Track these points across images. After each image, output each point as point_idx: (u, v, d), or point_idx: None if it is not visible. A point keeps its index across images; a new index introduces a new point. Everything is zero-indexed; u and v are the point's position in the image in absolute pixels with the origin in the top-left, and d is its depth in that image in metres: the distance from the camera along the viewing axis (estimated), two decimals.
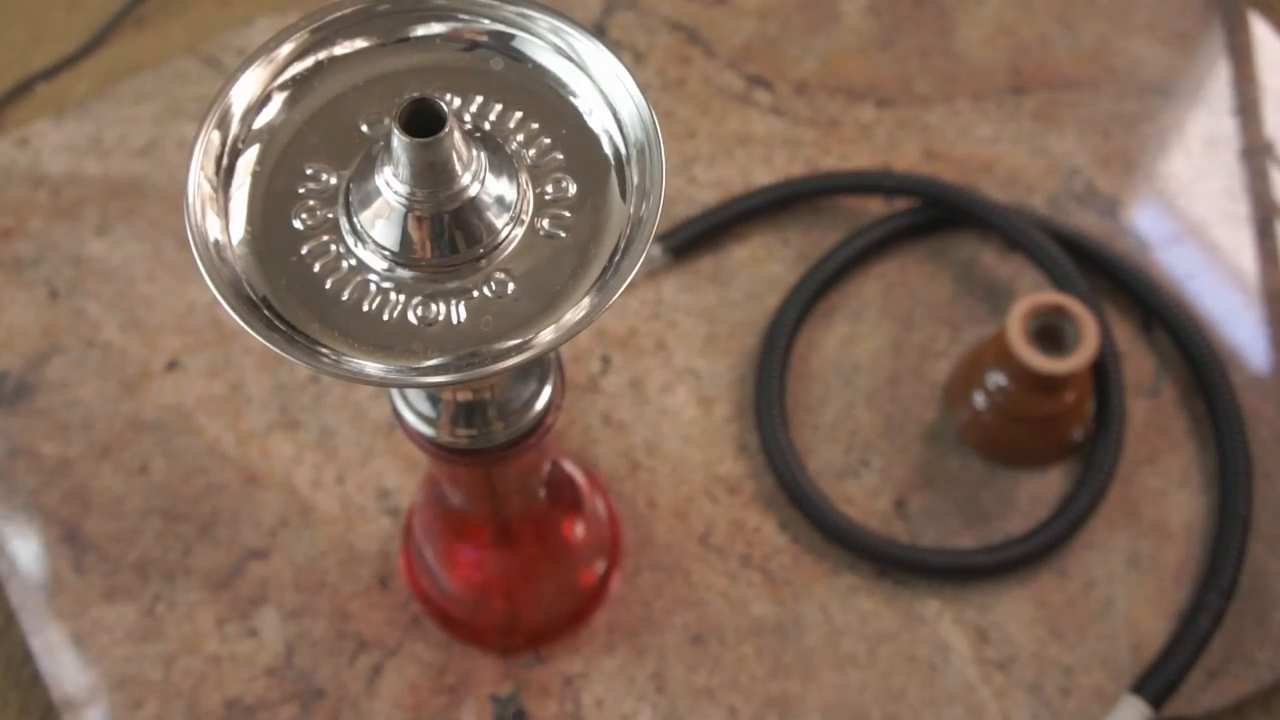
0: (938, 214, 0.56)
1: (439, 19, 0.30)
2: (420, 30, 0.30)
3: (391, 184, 0.26)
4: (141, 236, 0.57)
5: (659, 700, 0.48)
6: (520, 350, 0.26)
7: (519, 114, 0.29)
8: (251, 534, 0.50)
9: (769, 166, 0.58)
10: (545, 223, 0.28)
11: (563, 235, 0.28)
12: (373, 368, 0.26)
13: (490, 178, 0.27)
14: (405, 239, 0.27)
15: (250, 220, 0.28)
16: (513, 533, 0.46)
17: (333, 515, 0.51)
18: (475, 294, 0.27)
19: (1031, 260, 0.54)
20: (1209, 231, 0.58)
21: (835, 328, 0.55)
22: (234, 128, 0.28)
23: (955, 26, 0.63)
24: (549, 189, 0.28)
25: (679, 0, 0.63)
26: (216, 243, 0.27)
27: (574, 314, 0.27)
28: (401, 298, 0.27)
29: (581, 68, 0.29)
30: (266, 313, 0.27)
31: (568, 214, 0.28)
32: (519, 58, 0.30)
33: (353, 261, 0.27)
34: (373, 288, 0.27)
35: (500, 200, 0.27)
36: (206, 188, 0.27)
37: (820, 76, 0.61)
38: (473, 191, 0.27)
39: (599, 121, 0.29)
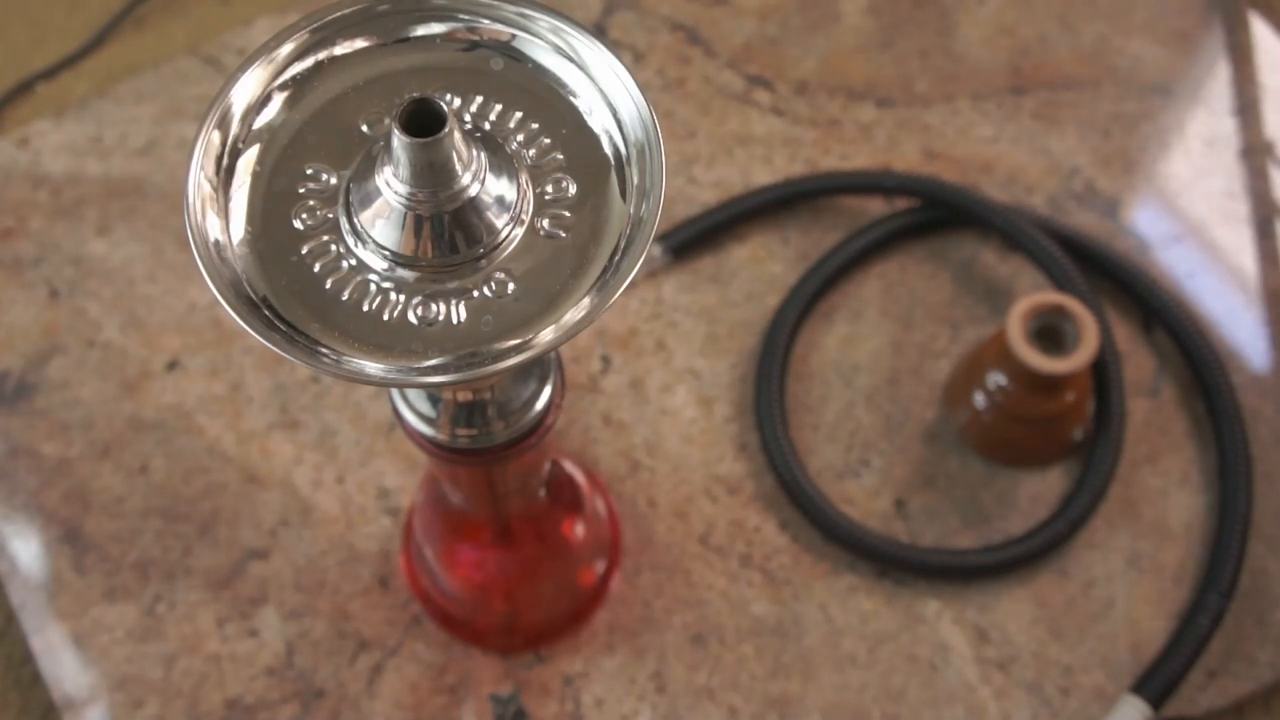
0: (938, 214, 0.56)
1: (439, 19, 0.30)
2: (420, 30, 0.30)
3: (391, 184, 0.26)
4: (142, 236, 0.57)
5: (659, 700, 0.48)
6: (520, 350, 0.26)
7: (519, 114, 0.29)
8: (251, 534, 0.50)
9: (769, 166, 0.58)
10: (545, 223, 0.28)
11: (563, 235, 0.28)
12: (373, 368, 0.26)
13: (490, 178, 0.27)
14: (405, 239, 0.27)
15: (250, 220, 0.28)
16: (513, 533, 0.46)
17: (333, 515, 0.51)
18: (475, 294, 0.27)
19: (1031, 260, 0.54)
20: (1209, 231, 0.58)
21: (835, 328, 0.55)
22: (234, 128, 0.28)
23: (955, 26, 0.63)
24: (549, 189, 0.28)
25: (679, 0, 0.63)
26: (217, 243, 0.27)
27: (574, 314, 0.27)
28: (401, 298, 0.27)
29: (581, 68, 0.29)
30: (266, 313, 0.27)
31: (568, 214, 0.28)
32: (519, 58, 0.30)
33: (353, 261, 0.27)
34: (373, 288, 0.27)
35: (500, 200, 0.27)
36: (207, 188, 0.27)
37: (820, 76, 0.61)
38: (473, 191, 0.27)
39: (599, 121, 0.29)
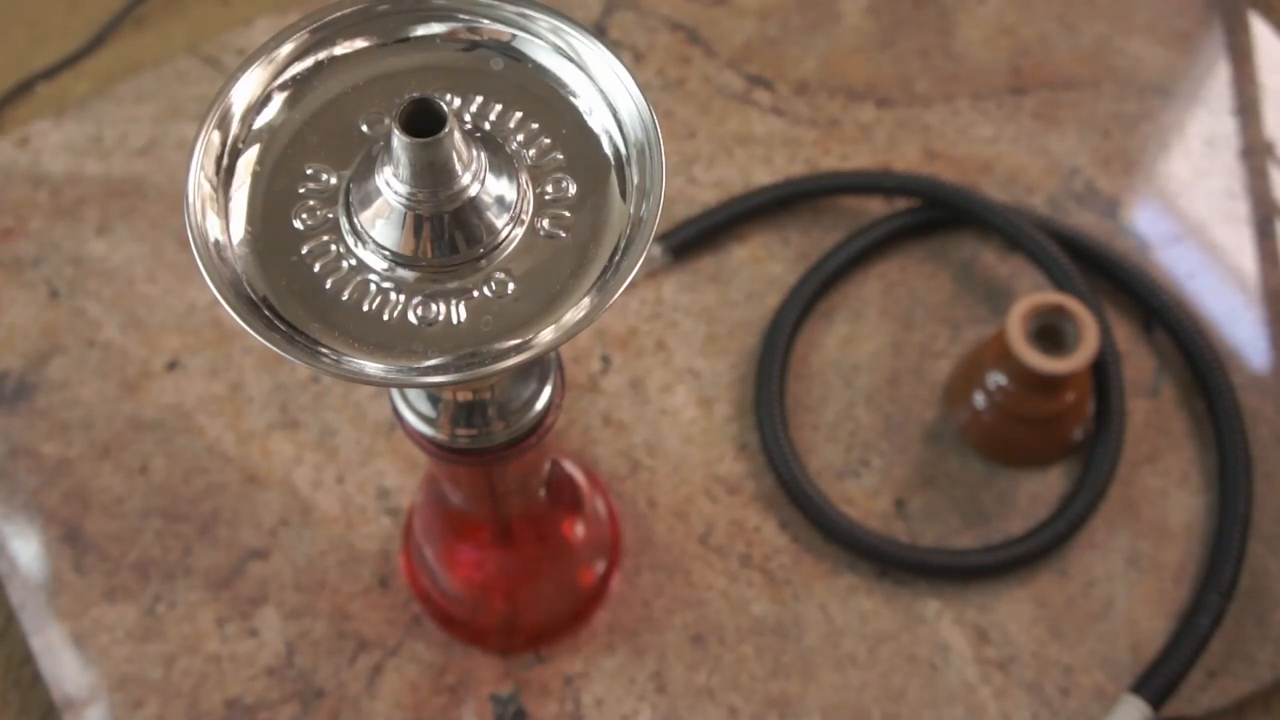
0: (938, 214, 0.56)
1: (439, 19, 0.30)
2: (420, 30, 0.30)
3: (391, 184, 0.26)
4: (142, 236, 0.57)
5: (659, 700, 0.48)
6: (520, 350, 0.26)
7: (519, 114, 0.29)
8: (251, 534, 0.50)
9: (769, 166, 0.58)
10: (545, 223, 0.28)
11: (563, 235, 0.28)
12: (373, 368, 0.26)
13: (490, 178, 0.27)
14: (405, 239, 0.27)
15: (250, 220, 0.28)
16: (513, 533, 0.46)
17: (333, 515, 0.51)
18: (475, 294, 0.27)
19: (1031, 260, 0.54)
20: (1209, 231, 0.58)
21: (835, 328, 0.55)
22: (234, 128, 0.28)
23: (955, 26, 0.63)
24: (549, 189, 0.28)
25: (679, 0, 0.63)
26: (216, 243, 0.27)
27: (574, 314, 0.27)
28: (401, 298, 0.27)
29: (581, 68, 0.29)
30: (266, 313, 0.27)
31: (568, 214, 0.28)
32: (519, 58, 0.30)
33: (353, 261, 0.27)
34: (373, 288, 0.27)
35: (500, 200, 0.27)
36: (206, 188, 0.27)
37: (820, 76, 0.61)
38: (473, 191, 0.27)
39: (599, 121, 0.29)
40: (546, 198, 0.28)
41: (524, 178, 0.28)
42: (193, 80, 0.61)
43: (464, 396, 0.33)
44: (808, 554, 0.50)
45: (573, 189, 0.28)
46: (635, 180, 0.28)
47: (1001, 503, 0.51)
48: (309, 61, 0.29)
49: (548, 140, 0.29)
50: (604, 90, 0.29)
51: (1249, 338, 0.55)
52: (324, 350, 0.26)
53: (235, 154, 0.28)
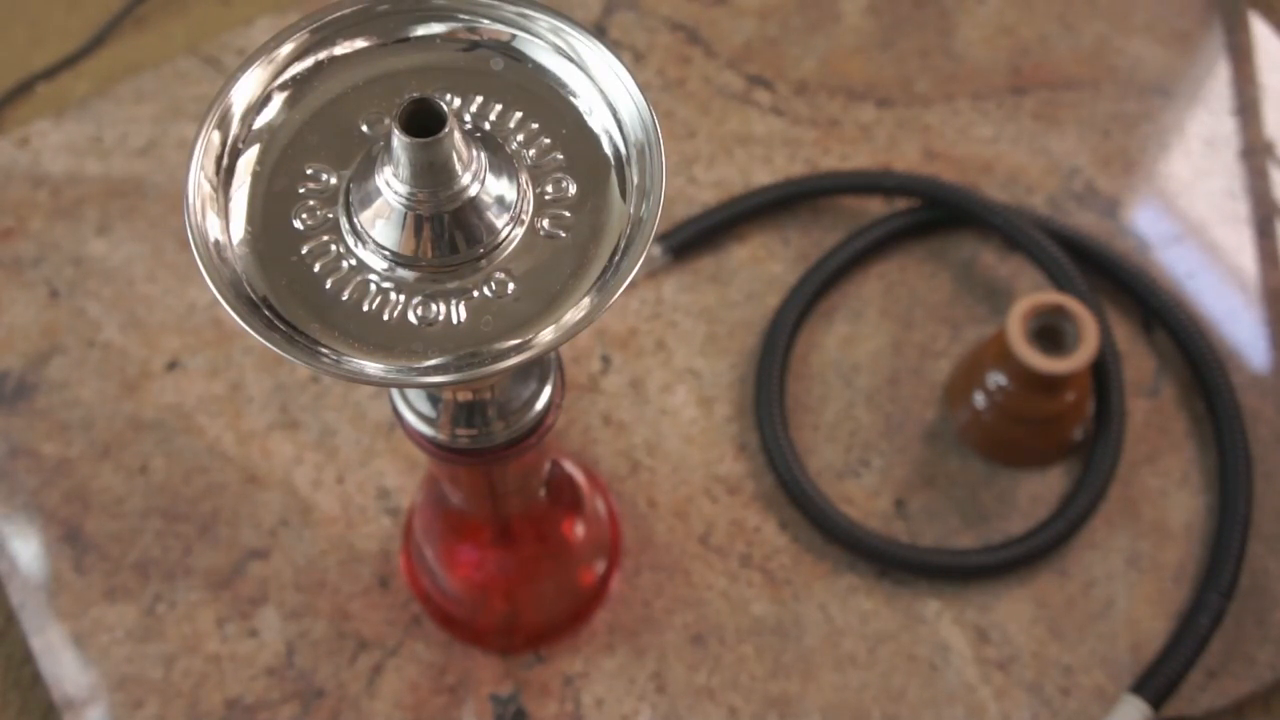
0: (938, 214, 0.56)
1: (439, 19, 0.30)
2: (420, 30, 0.30)
3: (391, 184, 0.26)
4: (142, 236, 0.57)
5: (659, 700, 0.48)
6: (520, 350, 0.26)
7: (519, 114, 0.29)
8: (251, 534, 0.50)
9: (769, 166, 0.58)
10: (545, 223, 0.28)
11: (563, 235, 0.28)
12: (373, 368, 0.26)
13: (490, 178, 0.27)
14: (405, 239, 0.27)
15: (250, 220, 0.28)
16: (513, 533, 0.46)
17: (333, 515, 0.51)
18: (475, 294, 0.27)
19: (1031, 260, 0.54)
20: (1209, 231, 0.58)
21: (835, 328, 0.55)
22: (234, 128, 0.28)
23: (955, 26, 0.63)
24: (549, 189, 0.28)
25: (679, 0, 0.63)
26: (216, 243, 0.27)
27: (574, 314, 0.27)
28: (401, 298, 0.27)
29: (581, 68, 0.29)
30: (266, 313, 0.27)
31: (568, 214, 0.28)
32: (519, 58, 0.30)
33: (353, 261, 0.27)
34: (373, 288, 0.27)
35: (500, 200, 0.27)
36: (206, 188, 0.27)
37: (820, 76, 0.61)
38: (473, 191, 0.27)
39: (599, 121, 0.29)
40: (546, 198, 0.28)
41: (524, 178, 0.28)
42: (193, 80, 0.61)
43: (464, 396, 0.33)
44: (808, 554, 0.50)
45: (573, 189, 0.28)
46: (635, 180, 0.28)
47: (1001, 503, 0.51)
48: (309, 61, 0.29)
49: (548, 140, 0.29)
50: (604, 90, 0.29)
51: (1249, 338, 0.55)
52: (324, 350, 0.26)
53: (235, 154, 0.28)
